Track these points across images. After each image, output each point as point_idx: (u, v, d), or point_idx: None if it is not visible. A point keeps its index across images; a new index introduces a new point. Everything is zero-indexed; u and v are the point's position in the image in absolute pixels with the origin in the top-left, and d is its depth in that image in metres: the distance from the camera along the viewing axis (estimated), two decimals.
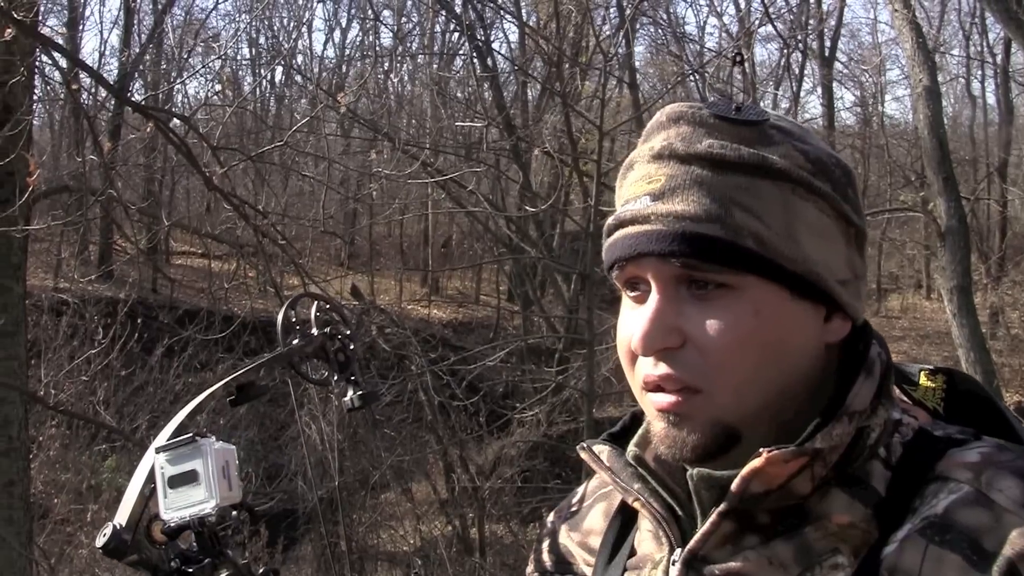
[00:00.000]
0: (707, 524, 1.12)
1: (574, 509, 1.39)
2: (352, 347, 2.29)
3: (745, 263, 1.09)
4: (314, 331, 2.17)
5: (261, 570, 2.07)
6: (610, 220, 1.18)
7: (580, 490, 1.42)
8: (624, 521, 1.29)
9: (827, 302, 1.14)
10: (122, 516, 1.71)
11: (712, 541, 1.12)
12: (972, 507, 1.04)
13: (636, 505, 1.20)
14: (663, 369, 1.12)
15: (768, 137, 1.14)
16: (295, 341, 2.15)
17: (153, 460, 1.78)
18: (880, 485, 1.10)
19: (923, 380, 1.26)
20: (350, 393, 2.27)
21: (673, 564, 1.15)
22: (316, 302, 2.28)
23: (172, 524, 1.72)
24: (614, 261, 1.15)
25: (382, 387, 12.83)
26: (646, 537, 1.23)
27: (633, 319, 1.15)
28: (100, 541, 1.64)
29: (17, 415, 7.36)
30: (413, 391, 14.19)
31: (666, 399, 1.12)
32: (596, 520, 1.34)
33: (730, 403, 1.11)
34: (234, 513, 1.78)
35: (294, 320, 2.17)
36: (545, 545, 1.40)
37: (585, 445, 1.27)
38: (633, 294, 1.16)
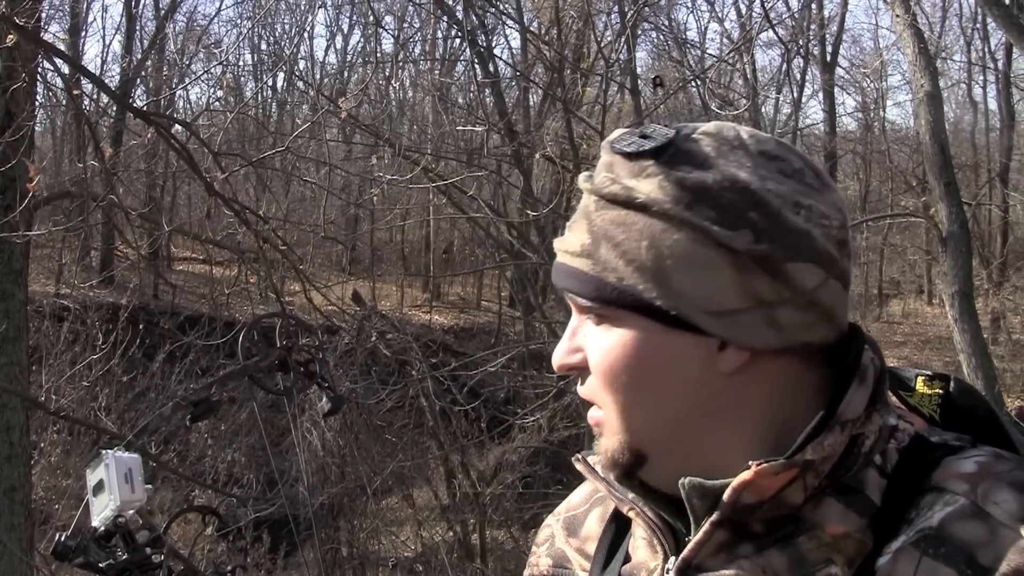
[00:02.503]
0: (700, 533, 1.12)
1: (572, 513, 1.40)
2: (320, 356, 2.40)
3: (610, 297, 1.12)
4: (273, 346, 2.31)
5: (229, 567, 2.20)
6: None
7: (577, 493, 1.42)
8: (619, 527, 1.30)
9: (712, 333, 1.11)
10: (71, 525, 1.95)
11: (706, 550, 1.12)
12: (967, 520, 1.03)
13: (631, 514, 1.21)
14: (578, 384, 1.21)
15: (643, 169, 1.12)
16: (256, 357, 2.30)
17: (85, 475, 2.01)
18: (875, 494, 1.10)
19: (920, 386, 1.25)
20: (323, 399, 2.41)
21: (667, 572, 1.15)
22: (280, 320, 2.40)
23: (100, 529, 1.89)
24: None
25: (379, 394, 12.84)
26: (640, 544, 1.23)
27: None
28: (48, 547, 1.86)
29: (18, 421, 7.36)
30: (414, 397, 14.20)
31: (592, 415, 1.20)
32: (593, 526, 1.35)
33: (621, 424, 1.16)
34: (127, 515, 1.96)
35: (255, 338, 2.32)
36: (542, 549, 1.40)
37: (580, 456, 1.29)
38: None
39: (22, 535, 7.27)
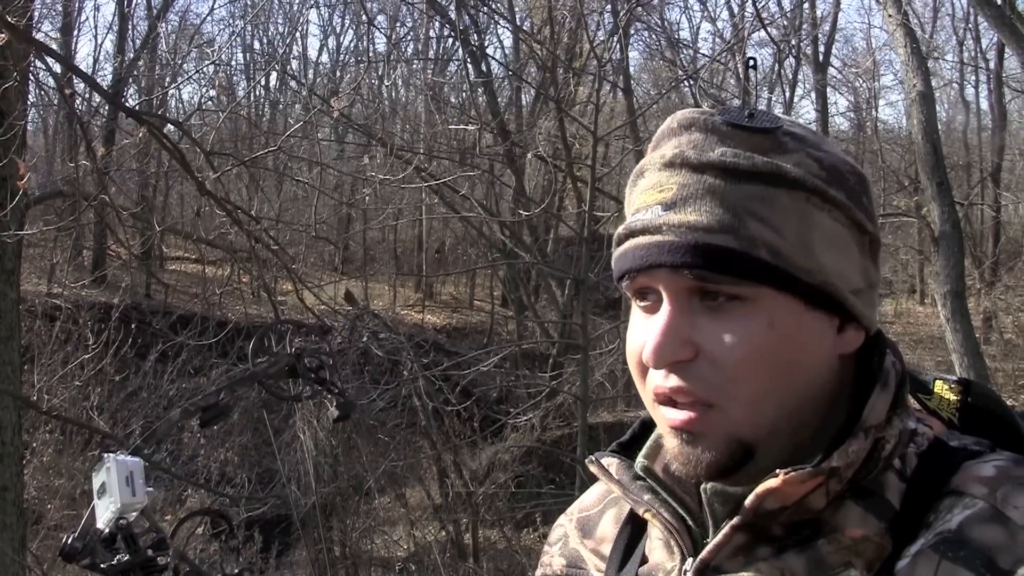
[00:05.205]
0: (720, 536, 1.11)
1: (585, 514, 1.38)
2: (331, 363, 2.46)
3: (759, 274, 1.07)
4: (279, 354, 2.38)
5: (237, 570, 2.28)
6: (620, 229, 1.15)
7: (590, 494, 1.41)
8: (634, 528, 1.29)
9: (840, 312, 1.12)
10: (79, 527, 2.01)
11: (724, 552, 1.11)
12: (987, 524, 1.02)
13: (647, 516, 1.19)
14: (674, 382, 1.10)
15: (782, 145, 1.11)
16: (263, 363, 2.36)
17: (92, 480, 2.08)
18: (894, 497, 1.09)
19: (938, 389, 1.24)
20: (333, 405, 2.47)
21: (685, 574, 1.14)
22: (289, 328, 2.48)
23: (105, 531, 2.00)
24: (625, 272, 1.13)
25: (371, 394, 12.86)
26: (657, 546, 1.22)
27: (644, 329, 1.12)
28: (59, 549, 1.97)
29: (10, 420, 7.34)
30: (407, 396, 14.20)
31: (679, 416, 1.10)
32: (608, 527, 1.33)
33: (745, 418, 1.09)
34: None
35: (265, 344, 2.40)
36: (555, 549, 1.38)
37: (594, 458, 1.27)
38: (644, 304, 1.14)
39: (14, 535, 7.26)
